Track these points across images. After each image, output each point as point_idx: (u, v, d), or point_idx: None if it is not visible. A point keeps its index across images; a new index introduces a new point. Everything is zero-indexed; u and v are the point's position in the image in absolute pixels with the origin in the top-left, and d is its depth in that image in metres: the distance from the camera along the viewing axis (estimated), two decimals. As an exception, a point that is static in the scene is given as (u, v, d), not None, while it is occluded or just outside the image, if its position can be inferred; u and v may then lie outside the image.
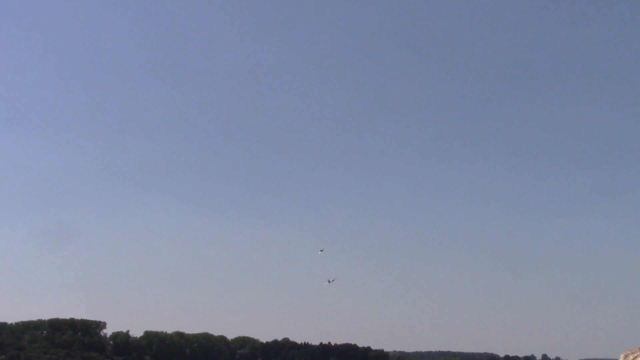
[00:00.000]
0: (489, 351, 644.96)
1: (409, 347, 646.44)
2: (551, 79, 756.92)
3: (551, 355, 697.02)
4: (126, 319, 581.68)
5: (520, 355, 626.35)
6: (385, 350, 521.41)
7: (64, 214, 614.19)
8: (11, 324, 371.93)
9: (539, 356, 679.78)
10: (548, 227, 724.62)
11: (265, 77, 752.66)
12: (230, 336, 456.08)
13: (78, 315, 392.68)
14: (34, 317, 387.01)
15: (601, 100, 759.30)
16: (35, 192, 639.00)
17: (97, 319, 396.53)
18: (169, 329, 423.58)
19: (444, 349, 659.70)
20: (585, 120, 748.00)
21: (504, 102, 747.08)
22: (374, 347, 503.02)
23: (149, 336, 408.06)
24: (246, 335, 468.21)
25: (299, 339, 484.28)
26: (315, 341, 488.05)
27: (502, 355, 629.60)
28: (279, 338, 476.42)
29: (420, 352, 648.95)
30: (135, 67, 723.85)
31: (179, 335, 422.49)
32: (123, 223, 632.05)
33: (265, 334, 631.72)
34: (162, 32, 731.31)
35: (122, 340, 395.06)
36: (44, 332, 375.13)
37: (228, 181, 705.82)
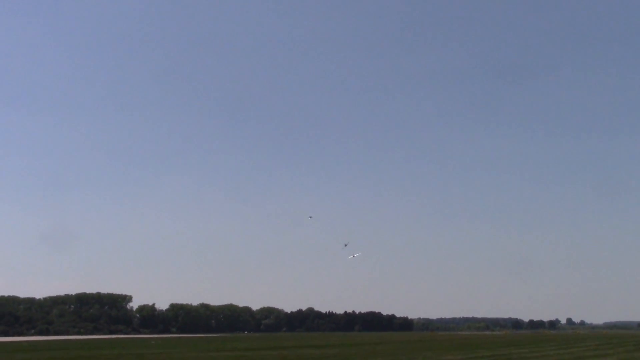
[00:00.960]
0: (514, 316, 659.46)
1: (433, 314, 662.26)
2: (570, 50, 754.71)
3: (576, 319, 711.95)
4: (152, 292, 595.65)
5: (545, 319, 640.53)
6: (409, 317, 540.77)
7: (83, 190, 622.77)
8: (39, 299, 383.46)
9: (563, 320, 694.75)
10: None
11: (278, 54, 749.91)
12: (255, 307, 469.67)
13: (104, 290, 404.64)
14: (62, 292, 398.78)
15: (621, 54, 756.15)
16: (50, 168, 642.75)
17: (124, 293, 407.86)
18: (194, 301, 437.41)
19: (468, 314, 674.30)
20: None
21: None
22: (398, 315, 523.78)
23: (175, 308, 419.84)
24: (271, 305, 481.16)
25: (323, 308, 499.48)
26: (339, 310, 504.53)
27: (526, 320, 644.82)
28: (304, 308, 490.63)
29: (444, 318, 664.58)
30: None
31: (204, 307, 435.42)
32: (145, 197, 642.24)
33: (289, 304, 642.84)
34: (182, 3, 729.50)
35: (148, 313, 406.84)
36: (72, 306, 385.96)
37: (247, 153, 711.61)
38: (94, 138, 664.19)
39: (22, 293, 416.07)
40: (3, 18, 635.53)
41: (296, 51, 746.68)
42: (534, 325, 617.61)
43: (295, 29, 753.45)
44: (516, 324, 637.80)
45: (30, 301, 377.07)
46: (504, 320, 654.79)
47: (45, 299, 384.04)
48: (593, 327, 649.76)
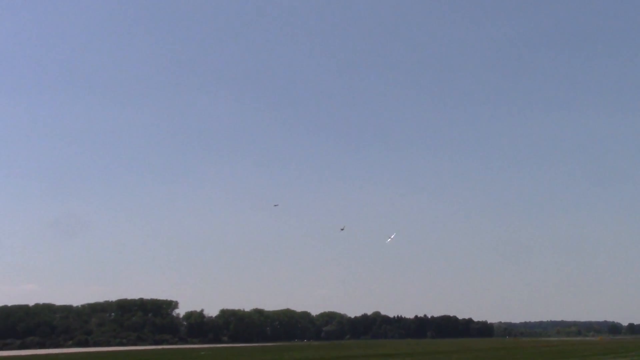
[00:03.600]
0: (610, 319, 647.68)
1: (516, 318, 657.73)
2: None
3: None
4: (199, 297, 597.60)
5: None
6: (489, 321, 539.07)
7: (115, 187, 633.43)
8: (77, 306, 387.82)
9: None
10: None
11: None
12: (314, 312, 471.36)
13: (147, 295, 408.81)
14: (101, 299, 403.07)
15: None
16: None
17: (169, 298, 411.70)
18: (247, 307, 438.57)
19: (557, 318, 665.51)
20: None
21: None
22: (475, 319, 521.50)
23: (226, 315, 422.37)
24: (332, 310, 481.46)
25: (390, 313, 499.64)
26: (409, 314, 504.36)
27: (625, 323, 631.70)
28: (369, 312, 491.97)
29: (529, 322, 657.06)
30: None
31: (258, 312, 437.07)
32: (192, 195, 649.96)
33: (352, 309, 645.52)
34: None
35: (196, 320, 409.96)
36: (112, 314, 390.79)
37: (306, 152, 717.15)
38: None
39: (59, 300, 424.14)
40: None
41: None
42: (635, 329, 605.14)
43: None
44: (613, 328, 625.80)
45: (68, 309, 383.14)
46: (599, 324, 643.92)
47: (83, 306, 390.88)
48: None
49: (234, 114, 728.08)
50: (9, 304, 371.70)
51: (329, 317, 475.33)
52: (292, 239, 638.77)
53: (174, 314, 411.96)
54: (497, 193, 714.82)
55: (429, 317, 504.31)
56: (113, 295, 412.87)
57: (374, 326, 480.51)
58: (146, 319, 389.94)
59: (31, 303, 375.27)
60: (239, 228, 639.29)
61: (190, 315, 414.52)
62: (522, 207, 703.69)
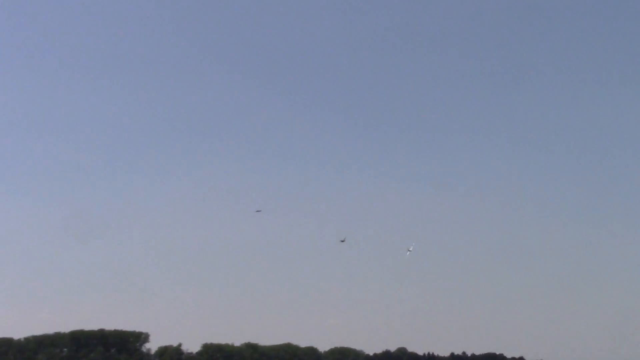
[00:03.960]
0: None
1: (582, 355, 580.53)
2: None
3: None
4: (176, 328, 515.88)
5: None
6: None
7: (88, 199, 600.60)
8: (19, 339, 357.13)
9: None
10: None
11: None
12: (322, 347, 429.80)
13: (110, 325, 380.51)
14: (51, 330, 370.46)
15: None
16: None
17: (137, 330, 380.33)
18: (236, 341, 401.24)
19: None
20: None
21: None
22: (528, 358, 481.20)
23: (209, 350, 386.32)
24: (345, 345, 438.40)
25: (419, 349, 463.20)
26: (442, 351, 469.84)
27: None
28: (392, 348, 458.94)
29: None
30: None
31: (252, 347, 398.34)
32: (167, 200, 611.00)
33: (371, 343, 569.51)
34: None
35: (172, 356, 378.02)
36: (65, 349, 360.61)
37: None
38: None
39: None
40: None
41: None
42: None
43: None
44: None
45: (7, 343, 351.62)
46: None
47: (27, 339, 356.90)
48: None
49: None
50: None
51: (341, 354, 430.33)
52: (292, 254, 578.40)
53: (144, 349, 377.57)
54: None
55: (469, 354, 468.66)
56: (66, 326, 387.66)
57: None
58: (108, 355, 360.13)
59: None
60: (224, 241, 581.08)
61: (164, 350, 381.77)
62: (589, 239, 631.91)
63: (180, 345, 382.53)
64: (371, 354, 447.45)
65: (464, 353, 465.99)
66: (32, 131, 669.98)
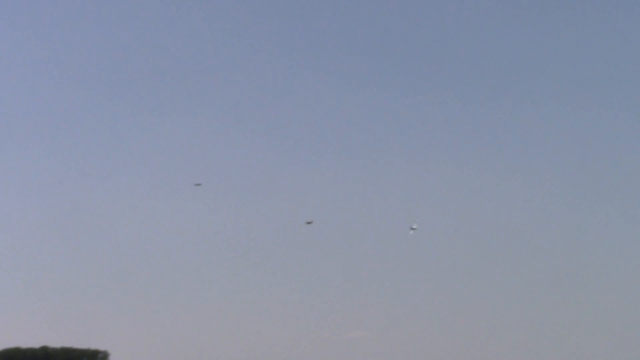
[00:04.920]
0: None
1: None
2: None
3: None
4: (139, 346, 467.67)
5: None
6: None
7: None
8: None
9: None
10: None
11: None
12: None
13: (62, 342, 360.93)
14: None
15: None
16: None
17: (93, 347, 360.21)
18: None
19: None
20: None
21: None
22: None
23: None
24: None
25: None
26: None
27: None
28: None
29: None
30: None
31: None
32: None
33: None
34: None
35: None
36: None
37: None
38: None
39: None
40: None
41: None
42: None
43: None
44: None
45: None
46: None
47: None
48: None
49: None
50: None
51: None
52: (293, 248, 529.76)
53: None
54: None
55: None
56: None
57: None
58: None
59: None
60: (206, 237, 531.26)
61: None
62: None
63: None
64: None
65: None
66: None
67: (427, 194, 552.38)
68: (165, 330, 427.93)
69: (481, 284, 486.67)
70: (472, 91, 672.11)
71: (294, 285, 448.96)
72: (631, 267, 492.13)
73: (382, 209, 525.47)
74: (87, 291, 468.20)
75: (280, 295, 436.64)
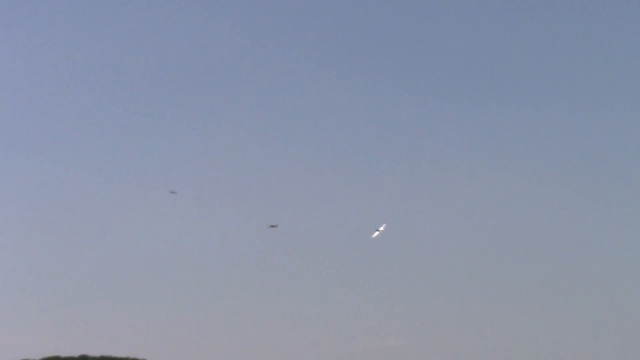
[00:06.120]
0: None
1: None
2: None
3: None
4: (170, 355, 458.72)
5: None
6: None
7: None
8: None
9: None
10: None
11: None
12: None
13: (95, 350, 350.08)
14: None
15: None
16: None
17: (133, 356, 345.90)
18: None
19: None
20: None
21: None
22: None
23: None
24: None
25: None
26: None
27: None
28: None
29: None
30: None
31: None
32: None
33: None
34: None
35: None
36: None
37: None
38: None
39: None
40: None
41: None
42: None
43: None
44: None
45: None
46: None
47: None
48: None
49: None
50: None
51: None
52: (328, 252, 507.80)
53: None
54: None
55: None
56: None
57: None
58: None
59: None
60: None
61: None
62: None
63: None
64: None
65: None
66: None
67: (462, 196, 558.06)
68: (206, 338, 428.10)
69: (535, 295, 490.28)
70: (472, 91, 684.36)
71: (330, 291, 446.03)
72: (631, 267, 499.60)
73: (415, 214, 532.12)
74: (126, 300, 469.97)
75: (315, 302, 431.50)
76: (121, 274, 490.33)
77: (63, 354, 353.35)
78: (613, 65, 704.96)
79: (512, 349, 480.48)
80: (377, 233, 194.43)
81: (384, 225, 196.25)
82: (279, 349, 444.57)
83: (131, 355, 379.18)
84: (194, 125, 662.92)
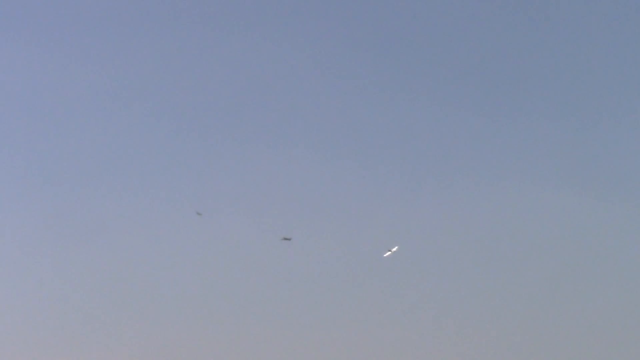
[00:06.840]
0: None
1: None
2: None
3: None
4: None
5: None
6: None
7: None
8: None
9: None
10: None
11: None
12: None
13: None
14: None
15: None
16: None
17: None
18: None
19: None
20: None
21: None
22: None
23: None
24: None
25: None
26: None
27: None
28: None
29: None
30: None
31: None
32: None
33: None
34: None
35: None
36: None
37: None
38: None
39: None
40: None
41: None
42: None
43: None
44: None
45: None
46: None
47: None
48: None
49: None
50: None
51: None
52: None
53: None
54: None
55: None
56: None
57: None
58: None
59: None
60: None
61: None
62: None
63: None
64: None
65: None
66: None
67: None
68: (217, 353, 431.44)
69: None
70: (472, 91, 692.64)
71: (345, 306, 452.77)
72: (632, 267, 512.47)
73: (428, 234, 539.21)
74: (138, 314, 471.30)
75: (329, 316, 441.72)
76: (131, 285, 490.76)
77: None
78: (614, 68, 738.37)
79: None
80: (388, 253, 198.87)
81: (397, 247, 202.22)
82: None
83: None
84: (200, 136, 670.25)
